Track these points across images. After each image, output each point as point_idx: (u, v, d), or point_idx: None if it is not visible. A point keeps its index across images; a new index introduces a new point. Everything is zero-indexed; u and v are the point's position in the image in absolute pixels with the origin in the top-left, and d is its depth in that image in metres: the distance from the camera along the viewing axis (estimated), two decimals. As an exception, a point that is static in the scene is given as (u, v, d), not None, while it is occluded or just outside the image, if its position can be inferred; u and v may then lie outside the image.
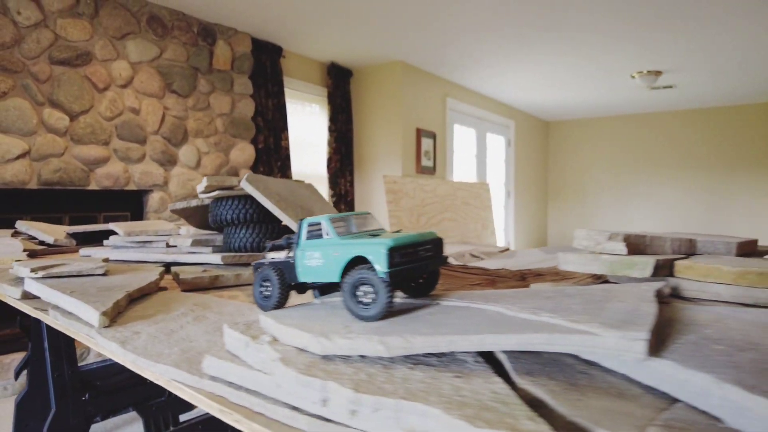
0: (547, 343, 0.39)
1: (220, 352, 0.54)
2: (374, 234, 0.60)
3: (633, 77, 5.41)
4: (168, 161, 3.54)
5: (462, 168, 6.31)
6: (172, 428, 1.84)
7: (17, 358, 2.76)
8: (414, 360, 0.43)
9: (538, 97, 6.65)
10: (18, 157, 2.81)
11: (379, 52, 4.69)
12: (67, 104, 2.99)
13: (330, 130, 4.95)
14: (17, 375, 1.74)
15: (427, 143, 5.33)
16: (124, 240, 1.62)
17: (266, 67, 4.28)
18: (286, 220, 1.19)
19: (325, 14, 3.77)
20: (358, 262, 0.53)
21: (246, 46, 4.07)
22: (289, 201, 1.29)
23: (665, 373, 0.36)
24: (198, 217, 1.54)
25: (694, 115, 7.33)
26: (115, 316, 0.76)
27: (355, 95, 5.24)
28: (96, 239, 2.06)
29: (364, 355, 0.43)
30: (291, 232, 1.34)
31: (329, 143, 4.95)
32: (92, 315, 0.72)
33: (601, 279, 0.84)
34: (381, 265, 0.49)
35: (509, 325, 0.42)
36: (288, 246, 0.66)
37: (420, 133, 5.20)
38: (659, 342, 0.40)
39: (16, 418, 1.73)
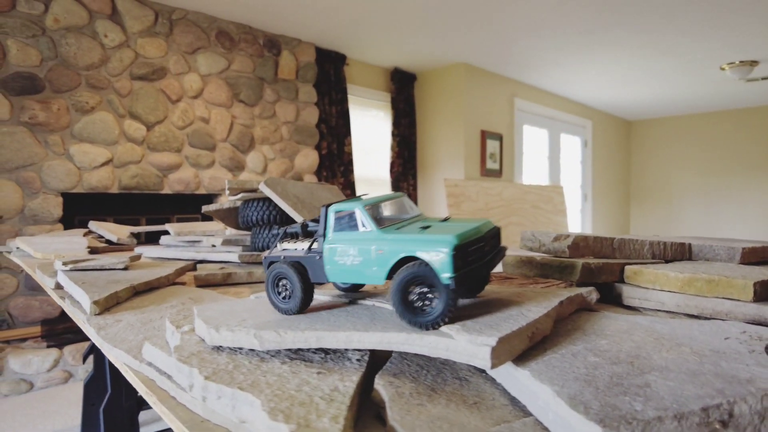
0: (405, 343, 0.38)
1: (162, 341, 0.57)
2: (421, 223, 0.50)
3: (723, 69, 4.94)
4: (236, 167, 3.76)
5: (532, 170, 6.09)
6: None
7: (100, 346, 3.05)
8: (299, 354, 0.43)
9: (617, 95, 6.27)
10: (102, 165, 3.11)
11: (442, 54, 4.67)
12: (144, 116, 3.28)
13: (393, 134, 4.99)
14: (84, 359, 1.93)
15: (492, 145, 5.20)
16: (174, 239, 1.74)
17: (330, 75, 4.41)
18: (300, 221, 1.22)
19: (387, 21, 3.82)
20: (409, 257, 0.44)
21: (310, 55, 4.22)
22: (307, 203, 1.32)
23: (522, 384, 0.34)
24: (233, 218, 1.62)
25: (803, 109, 6.54)
26: (111, 305, 0.82)
27: (419, 99, 5.25)
28: (155, 238, 2.24)
29: (252, 348, 0.43)
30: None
31: (392, 147, 4.99)
32: (86, 303, 0.79)
33: (549, 283, 0.78)
34: (444, 269, 0.40)
35: (386, 324, 0.41)
36: (305, 236, 0.58)
37: (485, 135, 5.09)
38: (541, 351, 0.37)
39: (84, 399, 1.92)
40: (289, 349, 0.44)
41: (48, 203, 2.91)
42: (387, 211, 0.53)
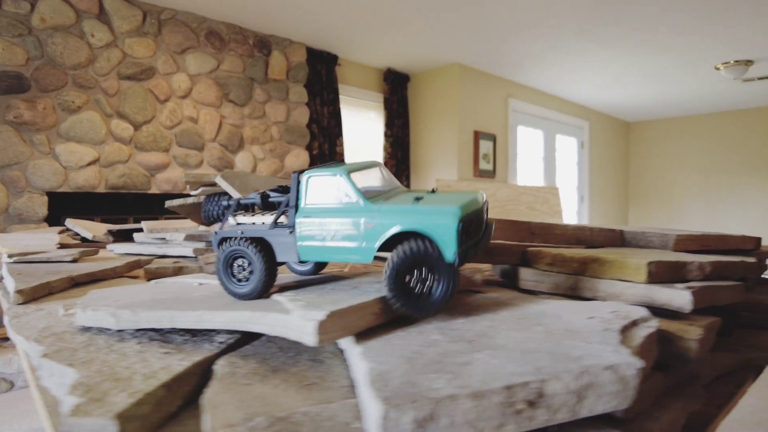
0: (249, 322, 0.36)
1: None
2: (411, 194, 0.45)
3: (718, 69, 4.90)
4: (225, 167, 3.75)
5: (527, 171, 6.06)
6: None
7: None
8: (163, 336, 0.42)
9: (614, 95, 6.23)
10: (89, 164, 3.12)
11: (436, 55, 4.65)
12: (132, 115, 3.28)
13: (386, 135, 4.98)
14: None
15: (486, 146, 5.18)
16: (147, 236, 1.73)
17: (322, 76, 4.40)
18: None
19: (380, 21, 3.81)
20: (402, 236, 0.39)
21: (301, 55, 4.22)
22: (267, 197, 1.30)
23: (352, 363, 0.32)
24: (197, 214, 1.61)
25: (802, 110, 6.48)
26: (40, 295, 0.81)
27: (412, 100, 5.24)
28: (131, 236, 2.23)
29: (109, 327, 0.42)
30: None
31: (385, 148, 4.98)
32: (12, 292, 0.78)
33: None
34: (449, 245, 0.35)
35: (246, 306, 0.40)
36: (266, 208, 0.49)
37: (478, 136, 5.07)
38: (392, 328, 0.36)
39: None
40: (156, 330, 0.43)
41: (33, 202, 2.92)
42: (364, 181, 0.47)
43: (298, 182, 0.45)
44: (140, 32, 3.32)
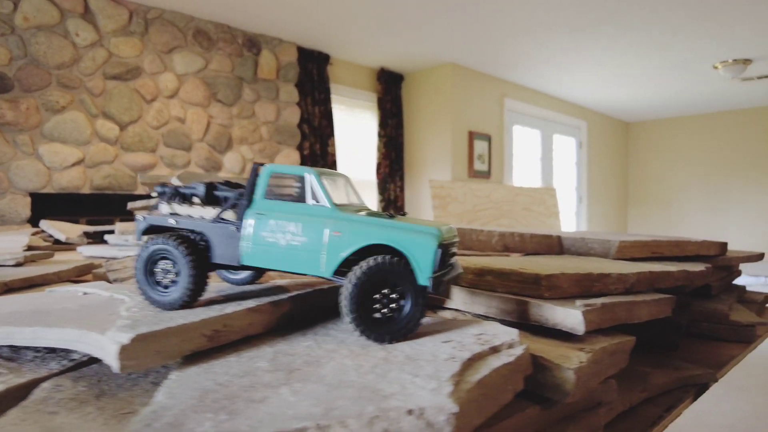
0: (77, 341, 0.33)
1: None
2: (381, 213, 0.40)
3: (716, 68, 4.84)
4: (213, 167, 3.72)
5: (524, 172, 6.01)
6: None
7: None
8: (18, 353, 0.38)
9: (612, 95, 6.17)
10: (73, 165, 3.09)
11: (430, 54, 4.61)
12: (118, 115, 3.26)
13: (379, 135, 4.94)
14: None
15: (481, 146, 5.14)
16: (119, 238, 1.70)
17: (313, 75, 4.37)
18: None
19: (372, 20, 3.78)
20: (371, 251, 0.34)
21: (291, 55, 4.18)
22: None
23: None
24: (163, 216, 1.58)
25: (803, 109, 6.40)
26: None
27: (406, 99, 5.20)
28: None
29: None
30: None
31: (378, 149, 4.94)
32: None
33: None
34: (425, 266, 0.32)
35: (82, 322, 0.36)
36: (209, 202, 0.42)
37: (473, 136, 5.02)
38: (224, 353, 0.32)
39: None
40: (13, 347, 0.39)
41: (16, 203, 2.90)
42: (331, 190, 0.41)
43: (257, 174, 0.40)
44: (126, 31, 3.30)
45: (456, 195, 4.77)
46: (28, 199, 2.93)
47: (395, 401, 0.24)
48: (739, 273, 1.12)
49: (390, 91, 5.02)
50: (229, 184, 0.43)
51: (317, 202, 0.37)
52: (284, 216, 0.36)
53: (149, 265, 0.39)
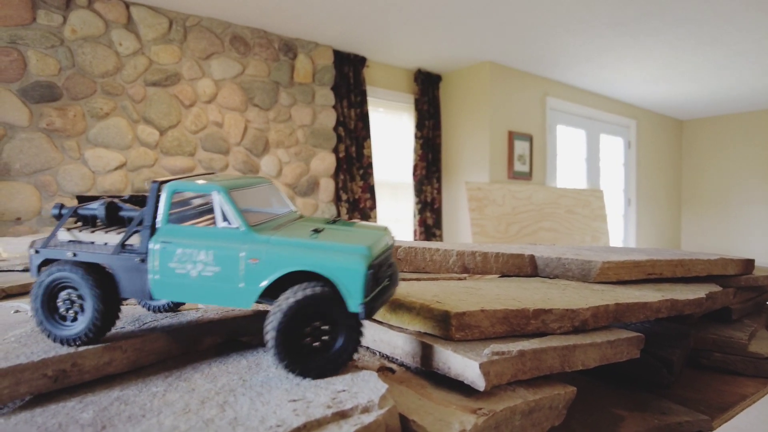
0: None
1: None
2: (308, 224, 0.36)
3: (779, 60, 4.49)
4: (250, 171, 3.78)
5: (568, 173, 5.79)
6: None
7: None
8: None
9: (663, 92, 5.86)
10: (116, 169, 3.21)
11: (468, 54, 4.52)
12: (158, 120, 3.36)
13: (416, 136, 4.89)
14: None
15: (521, 146, 4.98)
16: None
17: (349, 78, 4.37)
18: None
19: (409, 21, 3.74)
20: (296, 278, 0.31)
21: (327, 58, 4.20)
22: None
23: None
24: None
25: None
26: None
27: (444, 100, 5.11)
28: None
29: None
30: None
31: (415, 150, 4.89)
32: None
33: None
34: (354, 292, 0.28)
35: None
36: (112, 223, 0.38)
37: (512, 136, 4.88)
38: (67, 396, 0.28)
39: None
40: None
41: (63, 206, 3.03)
42: (247, 202, 0.37)
43: (158, 195, 0.37)
44: (166, 39, 3.40)
45: (494, 197, 4.65)
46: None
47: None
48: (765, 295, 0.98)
49: (427, 92, 4.96)
50: (135, 201, 0.39)
51: (229, 223, 0.32)
52: (192, 243, 0.32)
53: (49, 294, 0.35)
